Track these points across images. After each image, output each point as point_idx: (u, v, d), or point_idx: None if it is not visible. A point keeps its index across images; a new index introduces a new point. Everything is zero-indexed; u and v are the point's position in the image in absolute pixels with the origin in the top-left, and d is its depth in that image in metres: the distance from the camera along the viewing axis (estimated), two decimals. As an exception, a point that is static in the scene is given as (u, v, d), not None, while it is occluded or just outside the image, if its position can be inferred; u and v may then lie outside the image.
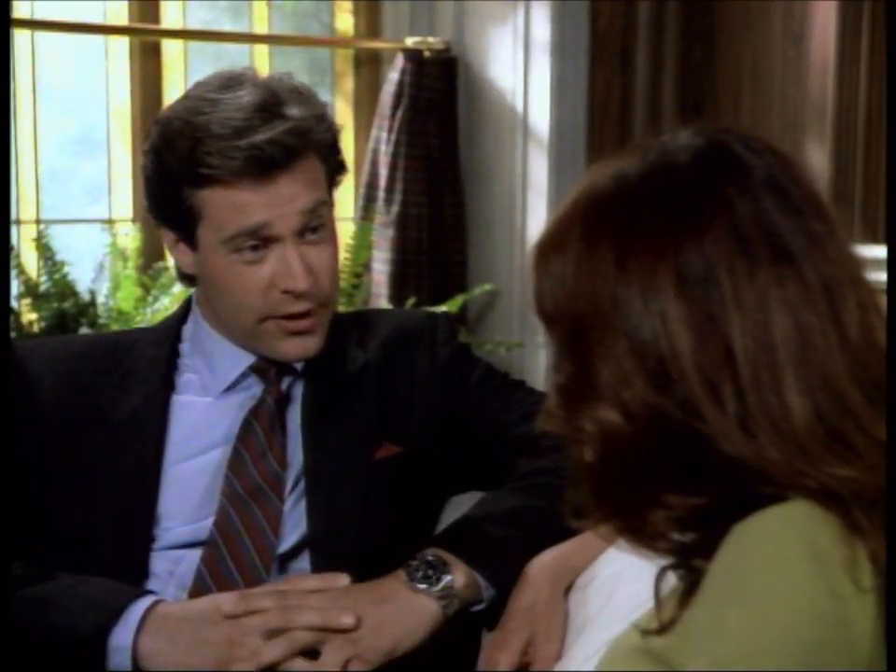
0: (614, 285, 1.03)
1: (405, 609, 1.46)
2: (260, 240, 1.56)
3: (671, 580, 1.10)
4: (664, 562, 1.08)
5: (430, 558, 1.49)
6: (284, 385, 1.66)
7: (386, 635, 1.44)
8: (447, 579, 1.47)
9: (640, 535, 1.06)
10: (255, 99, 1.54)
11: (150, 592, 1.50)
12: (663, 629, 1.06)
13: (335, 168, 1.64)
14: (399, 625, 1.45)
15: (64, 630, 1.46)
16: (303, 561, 1.59)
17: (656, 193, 1.05)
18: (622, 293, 1.02)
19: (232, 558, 1.56)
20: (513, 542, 1.52)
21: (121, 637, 1.44)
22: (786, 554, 0.97)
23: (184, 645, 1.43)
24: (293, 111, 1.56)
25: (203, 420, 1.64)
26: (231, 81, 1.58)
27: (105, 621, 1.44)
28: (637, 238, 1.03)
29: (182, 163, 1.55)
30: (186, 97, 1.60)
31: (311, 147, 1.58)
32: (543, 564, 1.42)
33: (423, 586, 1.47)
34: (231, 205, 1.55)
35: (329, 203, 1.62)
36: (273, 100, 1.55)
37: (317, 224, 1.59)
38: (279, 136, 1.53)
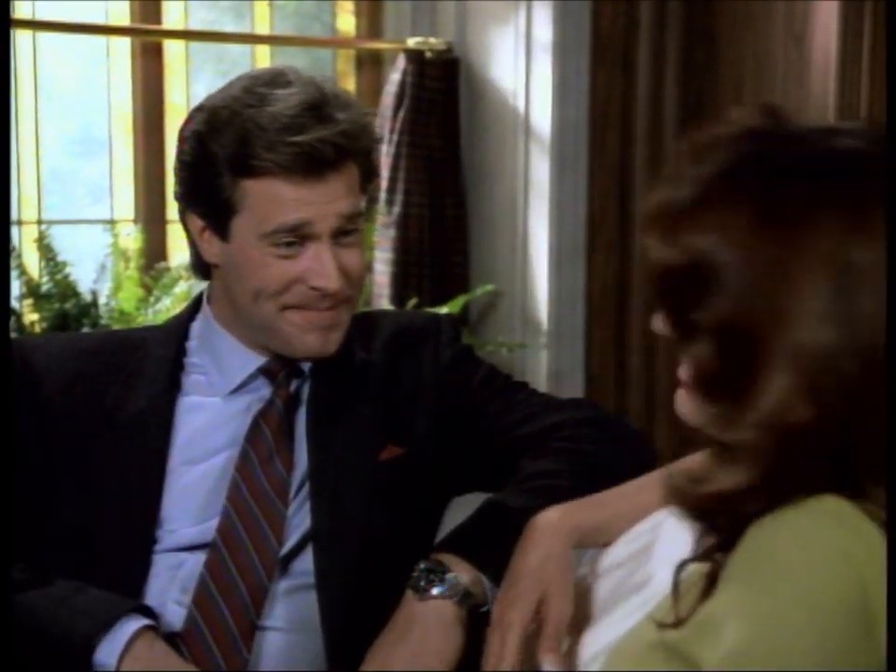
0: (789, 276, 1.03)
1: (426, 625, 1.46)
2: (298, 237, 1.57)
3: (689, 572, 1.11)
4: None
5: (426, 565, 1.49)
6: (292, 388, 1.66)
7: (427, 659, 1.44)
8: (451, 576, 1.47)
9: None
10: (305, 98, 1.55)
11: (143, 606, 1.50)
12: (679, 622, 1.06)
13: (370, 175, 1.65)
14: (431, 642, 1.45)
15: (54, 639, 1.46)
16: (306, 561, 1.58)
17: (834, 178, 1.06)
18: (796, 287, 1.03)
19: (235, 563, 1.56)
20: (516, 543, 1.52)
21: (107, 655, 1.44)
22: (813, 548, 0.97)
23: None
24: (341, 115, 1.57)
25: (209, 421, 1.64)
26: (279, 78, 1.58)
27: (94, 633, 1.44)
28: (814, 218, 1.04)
29: (229, 152, 1.55)
30: (230, 88, 1.60)
31: (355, 153, 1.59)
32: (551, 521, 1.39)
33: (434, 591, 1.47)
34: (274, 199, 1.55)
35: (363, 215, 1.63)
36: (322, 101, 1.56)
37: (352, 228, 1.60)
38: (331, 136, 1.54)
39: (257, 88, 1.57)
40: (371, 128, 1.64)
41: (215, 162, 1.56)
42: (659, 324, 1.15)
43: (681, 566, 1.12)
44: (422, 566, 1.49)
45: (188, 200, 1.62)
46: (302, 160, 1.53)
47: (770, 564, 1.00)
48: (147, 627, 1.47)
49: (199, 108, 1.60)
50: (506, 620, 1.33)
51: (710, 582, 1.05)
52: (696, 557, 1.10)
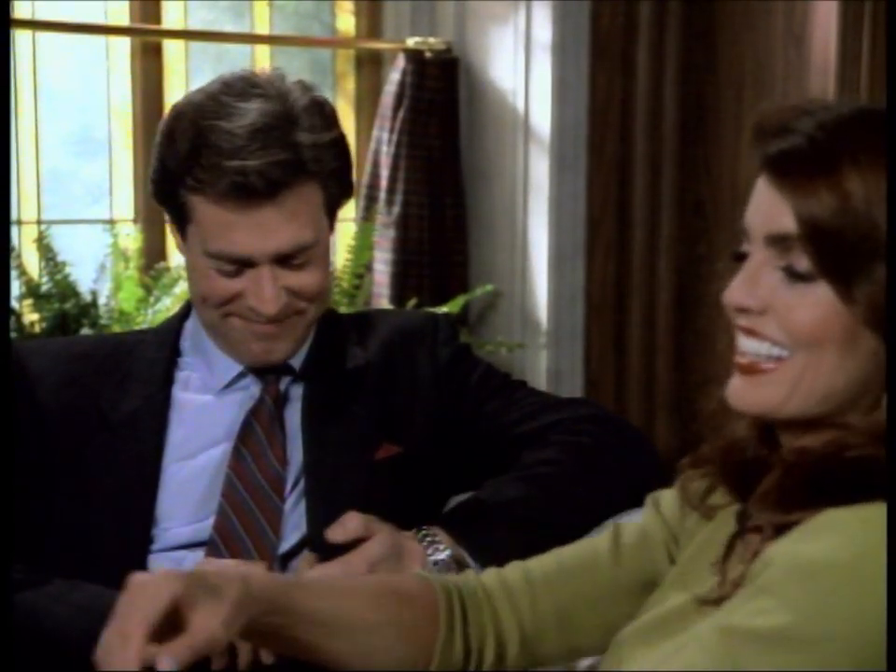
0: None
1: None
2: (239, 264, 1.57)
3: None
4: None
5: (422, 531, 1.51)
6: (282, 385, 1.66)
7: None
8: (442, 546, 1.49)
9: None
10: (263, 117, 1.53)
11: None
12: (722, 598, 1.06)
13: (339, 194, 1.63)
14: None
15: (53, 637, 1.45)
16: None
17: None
18: None
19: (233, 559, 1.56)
20: (507, 527, 1.53)
21: None
22: (864, 555, 0.96)
23: None
24: (301, 136, 1.54)
25: (202, 418, 1.64)
26: (250, 88, 1.56)
27: (92, 628, 1.44)
28: None
29: (179, 165, 1.55)
30: (203, 90, 1.59)
31: (308, 175, 1.56)
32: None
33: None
34: (214, 222, 1.55)
35: (319, 243, 1.59)
36: (282, 120, 1.54)
37: (301, 262, 1.58)
38: (267, 167, 1.51)
39: (223, 96, 1.55)
40: (338, 144, 1.59)
41: (169, 171, 1.57)
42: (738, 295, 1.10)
43: (732, 539, 1.13)
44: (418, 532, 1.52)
45: (156, 196, 1.63)
46: (236, 188, 1.52)
47: (817, 563, 0.98)
48: None
49: (174, 105, 1.61)
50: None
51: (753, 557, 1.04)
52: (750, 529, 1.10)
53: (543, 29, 3.27)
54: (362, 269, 3.20)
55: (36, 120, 3.04)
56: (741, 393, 1.12)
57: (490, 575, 1.34)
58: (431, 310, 2.92)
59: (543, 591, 1.31)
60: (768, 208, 1.08)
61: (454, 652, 1.27)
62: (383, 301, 3.26)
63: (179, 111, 1.58)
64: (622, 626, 1.26)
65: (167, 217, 1.65)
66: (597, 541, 1.34)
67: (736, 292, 1.10)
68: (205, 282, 1.59)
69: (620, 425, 1.74)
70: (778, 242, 1.07)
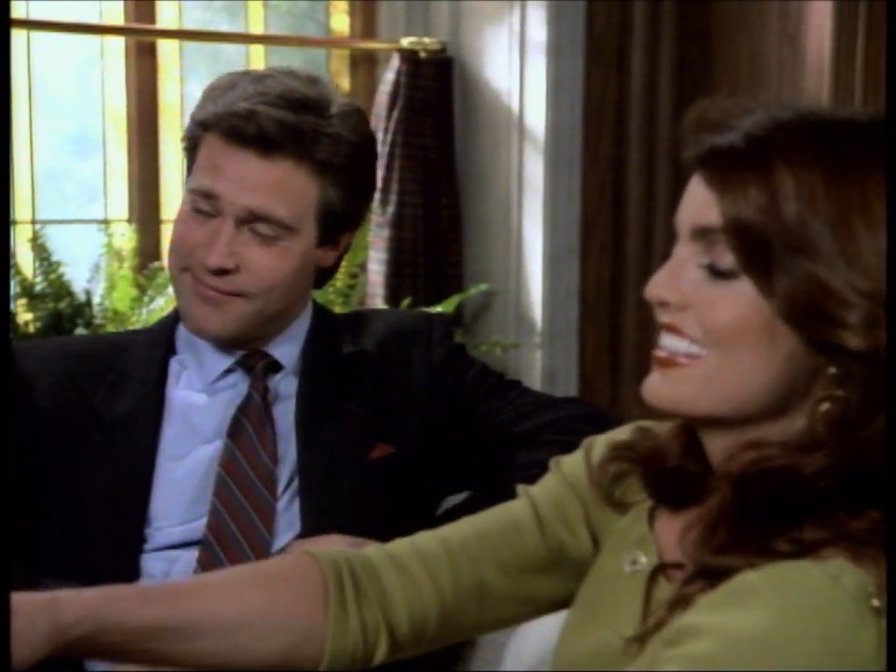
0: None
1: None
2: (211, 207, 1.58)
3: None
4: None
5: None
6: (271, 383, 1.66)
7: None
8: None
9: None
10: (297, 88, 1.57)
11: None
12: (646, 635, 1.04)
13: (335, 206, 1.61)
14: None
15: None
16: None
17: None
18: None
19: (228, 559, 1.56)
20: None
21: None
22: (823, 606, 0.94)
23: None
24: (318, 119, 1.57)
25: (193, 416, 1.64)
26: (298, 72, 1.62)
27: None
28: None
29: (199, 107, 1.60)
30: (269, 68, 1.66)
31: (305, 156, 1.57)
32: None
33: None
34: (209, 161, 1.59)
35: (295, 231, 1.59)
36: (311, 98, 1.57)
37: (267, 234, 1.58)
38: (265, 118, 1.54)
39: (276, 72, 1.61)
40: (354, 146, 1.60)
41: (193, 118, 1.62)
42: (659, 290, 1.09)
43: (654, 573, 1.11)
44: None
45: (185, 144, 1.66)
46: (233, 129, 1.55)
47: (752, 594, 0.96)
48: None
49: None
50: None
51: (683, 602, 1.01)
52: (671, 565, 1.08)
53: (538, 29, 3.28)
54: (356, 269, 3.20)
55: (31, 120, 3.04)
56: (655, 387, 1.09)
57: (401, 544, 1.26)
58: (426, 310, 2.92)
59: (463, 560, 1.23)
60: (697, 203, 1.06)
61: (349, 630, 1.18)
62: (377, 301, 3.26)
63: (216, 81, 1.64)
64: (544, 598, 1.24)
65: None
66: (515, 509, 1.28)
67: (658, 286, 1.08)
68: (179, 225, 1.62)
69: (614, 424, 1.74)
70: (703, 235, 1.05)
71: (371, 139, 1.66)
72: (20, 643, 1.06)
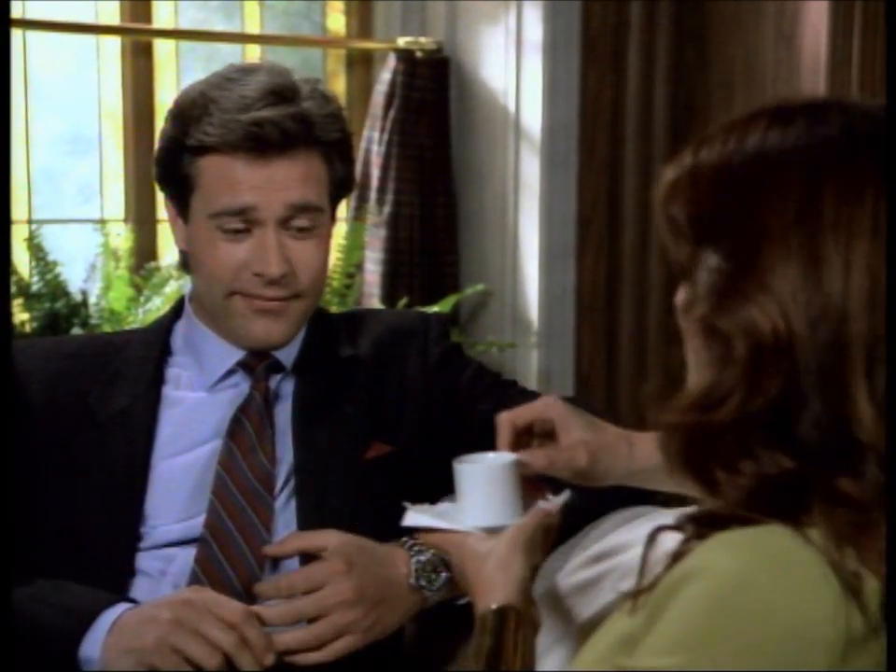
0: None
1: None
2: (245, 222, 1.57)
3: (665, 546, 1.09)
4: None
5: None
6: (273, 383, 1.66)
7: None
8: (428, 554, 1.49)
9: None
10: (272, 83, 1.57)
11: (127, 599, 1.50)
12: (639, 593, 1.05)
13: (341, 178, 1.65)
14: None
15: (37, 638, 1.45)
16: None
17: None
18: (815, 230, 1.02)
19: (226, 557, 1.56)
20: None
21: (90, 648, 1.42)
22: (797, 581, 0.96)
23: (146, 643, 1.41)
24: (306, 103, 1.58)
25: (191, 415, 1.64)
26: (256, 67, 1.62)
27: (75, 630, 1.44)
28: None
29: (187, 130, 1.58)
30: (212, 75, 1.63)
31: (314, 141, 1.59)
32: None
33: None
34: (222, 177, 1.57)
35: (324, 212, 1.63)
36: (289, 87, 1.58)
37: (305, 226, 1.60)
38: (280, 118, 1.55)
39: (232, 74, 1.60)
40: (339, 119, 1.63)
41: (176, 141, 1.59)
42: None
43: (652, 536, 1.11)
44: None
45: (160, 181, 1.65)
46: (248, 138, 1.55)
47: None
48: (127, 610, 1.46)
49: (179, 94, 1.64)
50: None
51: (674, 563, 1.02)
52: (669, 527, 1.08)
53: (534, 28, 3.28)
54: (353, 268, 3.20)
55: (27, 119, 3.04)
56: None
57: None
58: (422, 309, 2.92)
59: None
60: None
61: None
62: (373, 301, 3.26)
63: (185, 93, 1.62)
64: None
65: (171, 215, 1.65)
66: None
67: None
68: (210, 252, 1.59)
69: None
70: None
71: (330, 93, 1.68)
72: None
